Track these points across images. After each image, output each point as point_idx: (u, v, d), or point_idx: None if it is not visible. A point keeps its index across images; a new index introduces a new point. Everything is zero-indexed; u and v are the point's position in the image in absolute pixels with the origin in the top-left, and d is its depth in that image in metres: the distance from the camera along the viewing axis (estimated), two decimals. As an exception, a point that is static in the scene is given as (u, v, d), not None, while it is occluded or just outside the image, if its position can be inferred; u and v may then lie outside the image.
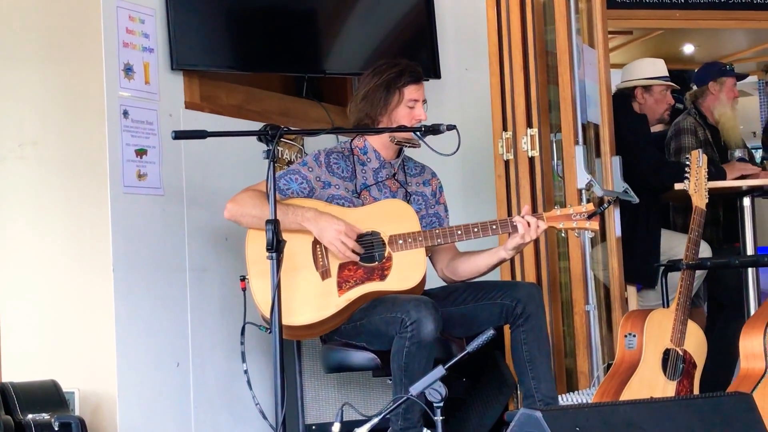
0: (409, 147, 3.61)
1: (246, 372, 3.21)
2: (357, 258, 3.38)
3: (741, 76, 5.50)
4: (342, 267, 3.40)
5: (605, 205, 3.60)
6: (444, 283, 3.69)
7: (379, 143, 3.61)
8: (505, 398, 4.00)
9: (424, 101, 3.58)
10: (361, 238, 3.43)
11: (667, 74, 5.15)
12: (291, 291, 3.29)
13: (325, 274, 3.39)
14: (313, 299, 3.36)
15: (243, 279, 3.34)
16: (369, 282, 3.39)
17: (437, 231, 3.45)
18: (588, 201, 4.06)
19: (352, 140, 3.66)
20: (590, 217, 3.45)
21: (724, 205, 5.06)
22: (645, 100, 5.06)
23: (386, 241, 3.42)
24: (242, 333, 3.24)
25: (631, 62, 5.30)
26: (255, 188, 3.48)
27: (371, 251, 3.43)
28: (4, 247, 3.66)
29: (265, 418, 3.26)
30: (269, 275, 2.96)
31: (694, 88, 5.36)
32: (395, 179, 3.63)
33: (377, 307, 3.34)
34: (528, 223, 3.40)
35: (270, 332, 2.97)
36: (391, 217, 3.47)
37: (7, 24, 3.70)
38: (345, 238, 3.35)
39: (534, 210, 4.06)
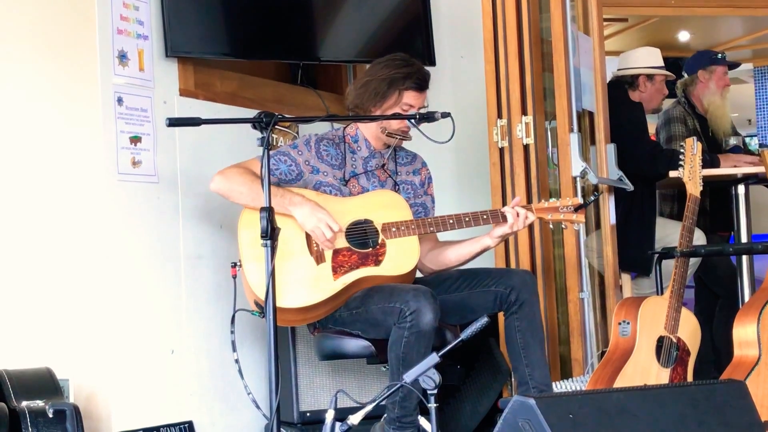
0: (399, 138, 3.59)
1: (237, 361, 3.21)
2: (332, 248, 3.39)
3: (733, 65, 5.49)
4: (336, 252, 3.41)
5: (591, 198, 3.65)
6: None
7: (369, 133, 3.62)
8: (499, 385, 4.01)
9: (421, 108, 3.56)
10: (354, 226, 3.44)
11: (663, 64, 5.15)
12: (285, 275, 3.29)
13: (319, 259, 3.40)
14: (308, 282, 3.37)
15: (234, 265, 3.34)
16: (364, 267, 3.40)
17: (429, 220, 3.46)
18: (582, 189, 4.07)
19: (345, 127, 3.66)
20: (576, 209, 3.50)
21: (711, 194, 5.06)
22: (646, 88, 5.04)
23: (379, 229, 3.43)
24: (232, 322, 3.24)
25: (631, 50, 5.27)
26: (244, 165, 3.49)
27: (365, 238, 3.43)
28: (-2, 234, 3.67)
29: (258, 408, 3.26)
30: (262, 259, 2.94)
31: (685, 76, 5.36)
32: (384, 169, 3.63)
33: (374, 296, 3.34)
34: (517, 214, 3.45)
35: (263, 317, 2.96)
36: (383, 206, 3.49)
37: (1, 11, 3.68)
38: (325, 228, 3.35)
39: (528, 199, 4.07)
